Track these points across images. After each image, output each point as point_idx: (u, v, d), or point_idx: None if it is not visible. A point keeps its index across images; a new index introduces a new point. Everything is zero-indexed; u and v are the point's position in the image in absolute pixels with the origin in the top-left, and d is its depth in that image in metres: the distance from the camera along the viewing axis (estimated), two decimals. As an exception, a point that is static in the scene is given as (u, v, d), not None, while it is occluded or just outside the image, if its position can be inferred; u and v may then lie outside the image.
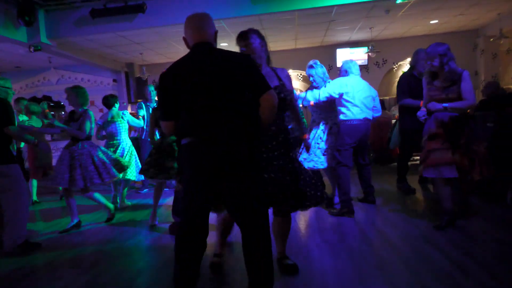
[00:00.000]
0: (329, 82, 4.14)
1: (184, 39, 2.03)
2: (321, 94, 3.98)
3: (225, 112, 1.86)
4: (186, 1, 5.64)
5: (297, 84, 9.80)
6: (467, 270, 2.38)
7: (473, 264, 2.47)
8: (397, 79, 9.40)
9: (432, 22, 7.77)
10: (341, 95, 3.92)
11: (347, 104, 3.92)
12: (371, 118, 4.05)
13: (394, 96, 9.12)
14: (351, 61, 4.17)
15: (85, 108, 4.15)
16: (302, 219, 3.93)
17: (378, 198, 4.38)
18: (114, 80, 9.19)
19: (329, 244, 3.14)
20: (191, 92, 1.84)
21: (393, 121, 7.63)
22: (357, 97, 3.91)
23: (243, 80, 1.89)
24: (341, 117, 3.96)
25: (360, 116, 3.92)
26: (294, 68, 9.58)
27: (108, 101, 5.23)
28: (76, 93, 4.13)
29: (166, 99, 1.93)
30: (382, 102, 7.75)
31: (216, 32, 2.05)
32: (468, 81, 3.10)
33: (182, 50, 8.26)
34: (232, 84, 1.87)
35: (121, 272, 2.85)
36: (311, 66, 4.26)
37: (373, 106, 4.12)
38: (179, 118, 1.94)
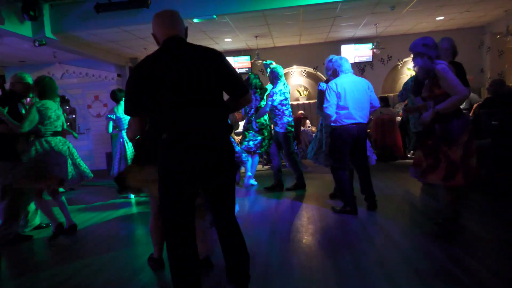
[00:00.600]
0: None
1: (154, 35, 2.00)
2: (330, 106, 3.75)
3: (199, 107, 1.86)
4: (190, -4, 5.62)
5: (301, 80, 9.77)
6: (468, 268, 2.38)
7: (475, 263, 2.46)
8: (402, 76, 9.42)
9: (438, 18, 7.70)
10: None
11: (338, 107, 3.70)
12: (365, 120, 3.75)
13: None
14: (341, 58, 3.86)
15: (37, 99, 3.62)
16: (304, 216, 3.93)
17: (380, 196, 4.36)
18: (119, 75, 9.21)
19: (330, 240, 3.15)
20: (165, 88, 1.81)
21: (398, 119, 7.61)
22: (348, 98, 3.65)
23: (219, 78, 1.91)
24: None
25: (352, 119, 3.66)
26: (298, 64, 9.54)
27: (116, 96, 5.29)
28: (36, 83, 3.66)
29: (137, 93, 1.85)
30: (386, 99, 7.76)
31: (186, 29, 2.04)
32: (444, 77, 2.73)
33: (186, 46, 8.24)
34: (204, 79, 1.87)
35: (122, 268, 2.87)
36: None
37: (370, 103, 3.81)
38: (145, 114, 1.93)
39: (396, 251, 2.78)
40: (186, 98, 1.83)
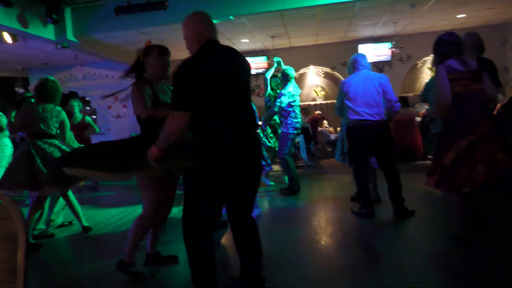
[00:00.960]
0: None
1: (192, 35, 2.00)
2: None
3: (248, 108, 1.99)
4: (207, -3, 5.67)
5: (318, 80, 9.71)
6: (490, 273, 2.31)
7: (496, 267, 2.39)
8: (422, 75, 9.25)
9: (459, 16, 7.52)
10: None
11: (346, 106, 3.65)
12: (376, 118, 3.55)
13: (418, 92, 8.91)
14: (357, 55, 3.79)
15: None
16: (322, 217, 3.90)
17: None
18: (137, 76, 9.36)
19: (348, 242, 3.11)
20: (213, 88, 1.85)
21: (418, 119, 7.46)
22: (354, 95, 3.57)
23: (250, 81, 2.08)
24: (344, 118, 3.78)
25: (358, 116, 3.56)
26: (315, 64, 9.48)
27: None
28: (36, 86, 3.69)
29: (191, 89, 1.83)
30: (405, 99, 7.61)
31: None
32: (436, 79, 2.68)
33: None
34: (248, 82, 2.04)
35: (142, 266, 2.91)
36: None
37: (386, 97, 3.60)
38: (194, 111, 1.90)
39: (416, 255, 2.72)
40: (230, 100, 1.90)
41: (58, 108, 3.65)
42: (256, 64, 9.30)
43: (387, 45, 8.73)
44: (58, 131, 3.64)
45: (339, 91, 3.76)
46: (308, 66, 9.48)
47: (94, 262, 3.06)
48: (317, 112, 9.12)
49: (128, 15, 5.74)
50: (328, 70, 9.50)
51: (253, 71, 9.35)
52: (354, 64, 3.75)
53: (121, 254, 3.16)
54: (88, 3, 5.91)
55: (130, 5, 5.62)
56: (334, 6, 5.98)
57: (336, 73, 9.40)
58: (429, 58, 9.00)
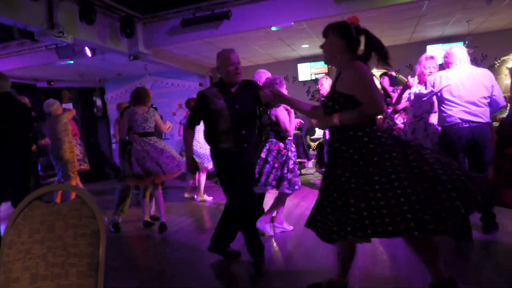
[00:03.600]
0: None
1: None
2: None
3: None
4: (269, 5, 5.75)
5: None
6: None
7: None
8: (500, 76, 8.47)
9: (546, 10, 6.76)
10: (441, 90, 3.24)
11: (447, 102, 3.21)
12: (484, 119, 3.15)
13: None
14: (452, 47, 3.40)
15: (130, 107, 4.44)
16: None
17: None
18: (200, 84, 9.76)
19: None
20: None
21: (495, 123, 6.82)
22: (461, 92, 3.11)
23: None
24: (440, 118, 3.33)
25: (463, 117, 3.10)
26: (378, 68, 9.12)
27: (189, 104, 5.79)
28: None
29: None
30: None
31: None
32: None
33: (263, 54, 8.43)
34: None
35: (213, 262, 2.99)
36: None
37: (492, 99, 3.23)
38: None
39: (497, 274, 2.47)
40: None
41: (151, 109, 4.35)
42: (316, 69, 9.20)
43: (459, 45, 8.11)
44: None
45: (433, 83, 3.29)
46: (371, 69, 9.15)
47: (169, 256, 3.22)
48: (379, 116, 8.74)
49: (193, 26, 6.03)
50: (392, 73, 9.09)
51: (313, 76, 9.28)
52: (450, 57, 3.34)
53: (193, 248, 3.29)
54: (157, 17, 6.32)
55: (195, 18, 5.90)
56: (400, 7, 5.72)
57: (401, 76, 8.96)
58: (509, 57, 8.20)
